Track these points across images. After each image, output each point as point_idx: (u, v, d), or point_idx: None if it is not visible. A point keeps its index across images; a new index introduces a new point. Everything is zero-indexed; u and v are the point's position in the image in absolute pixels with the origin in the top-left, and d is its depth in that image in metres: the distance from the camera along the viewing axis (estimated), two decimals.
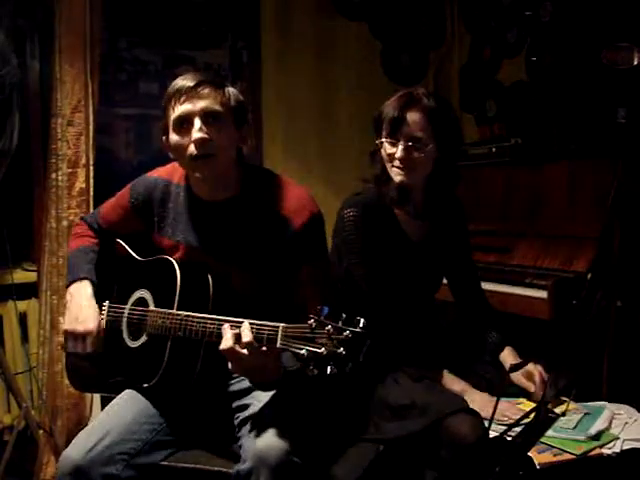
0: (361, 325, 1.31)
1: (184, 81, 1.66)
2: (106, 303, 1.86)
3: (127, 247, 1.91)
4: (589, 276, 2.03)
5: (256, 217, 1.72)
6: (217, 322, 1.53)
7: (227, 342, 1.45)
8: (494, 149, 3.19)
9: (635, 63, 2.41)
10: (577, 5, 3.10)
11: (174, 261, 1.72)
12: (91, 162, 2.68)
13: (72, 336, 1.78)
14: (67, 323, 1.80)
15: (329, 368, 1.30)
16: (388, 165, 1.90)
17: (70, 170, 2.64)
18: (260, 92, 3.47)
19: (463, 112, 3.81)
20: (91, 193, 2.68)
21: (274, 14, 3.48)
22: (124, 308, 1.82)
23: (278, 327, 1.40)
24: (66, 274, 1.94)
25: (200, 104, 1.63)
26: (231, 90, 1.70)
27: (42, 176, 2.71)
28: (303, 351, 1.32)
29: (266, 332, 1.42)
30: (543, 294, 2.58)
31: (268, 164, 3.36)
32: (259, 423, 1.59)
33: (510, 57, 3.57)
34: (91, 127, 2.67)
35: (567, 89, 3.14)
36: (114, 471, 1.59)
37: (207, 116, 1.63)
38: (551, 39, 3.27)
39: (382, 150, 1.91)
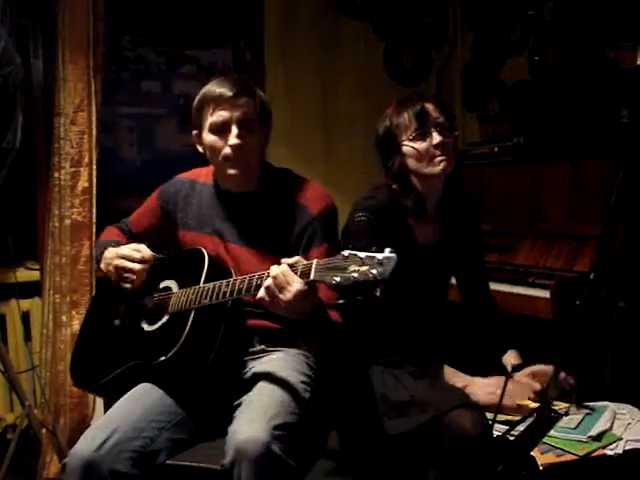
0: (388, 251, 1.35)
1: (223, 88, 1.80)
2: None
3: (154, 253, 1.98)
4: (592, 276, 2.03)
5: (277, 207, 1.85)
6: (247, 279, 1.60)
7: (267, 281, 1.52)
8: (497, 148, 3.19)
9: (638, 62, 2.41)
10: (580, 4, 3.10)
11: (202, 249, 1.83)
12: (94, 161, 2.68)
13: (127, 261, 1.84)
14: (119, 260, 1.86)
15: (361, 293, 1.36)
16: (423, 163, 1.89)
17: (73, 169, 2.64)
18: (263, 91, 3.42)
19: (466, 111, 3.82)
20: (94, 192, 2.68)
21: (277, 14, 3.48)
22: (145, 298, 1.88)
23: (312, 262, 1.46)
24: (96, 255, 2.03)
25: (238, 113, 1.79)
26: (261, 95, 1.87)
27: (45, 175, 2.71)
28: (337, 278, 1.37)
29: (300, 268, 1.48)
30: (546, 294, 2.58)
31: (271, 163, 3.36)
32: (243, 417, 1.61)
33: (513, 56, 3.57)
34: (94, 126, 2.67)
35: (570, 88, 3.14)
36: (122, 468, 1.59)
37: (243, 124, 1.79)
38: (554, 38, 3.27)
39: (406, 156, 1.90)
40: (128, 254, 1.85)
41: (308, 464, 1.74)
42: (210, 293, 1.68)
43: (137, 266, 1.83)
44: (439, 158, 1.87)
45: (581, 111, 3.05)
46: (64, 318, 2.66)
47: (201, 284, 1.73)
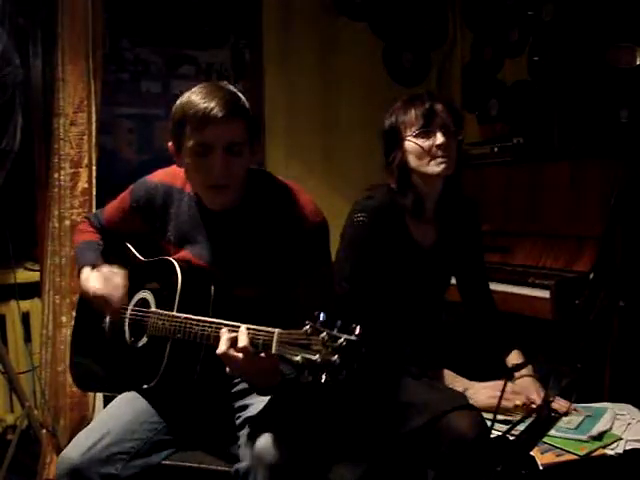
0: (357, 333, 1.28)
1: (211, 104, 1.57)
2: None
3: (132, 248, 1.92)
4: (592, 276, 2.03)
5: (264, 223, 1.71)
6: (215, 325, 1.52)
7: (222, 347, 1.45)
8: (496, 149, 3.19)
9: (638, 63, 2.41)
10: (579, 5, 3.10)
11: (175, 262, 1.71)
12: (93, 162, 2.68)
13: (100, 296, 1.75)
14: (93, 290, 1.76)
15: (323, 376, 1.27)
16: (423, 161, 1.88)
17: (73, 170, 2.64)
18: (262, 92, 3.47)
19: (465, 111, 3.81)
20: (93, 193, 2.68)
21: (276, 14, 3.48)
22: (126, 309, 1.82)
23: (273, 333, 1.38)
24: (76, 262, 1.93)
25: (225, 136, 1.59)
26: (248, 110, 1.65)
27: (45, 176, 2.71)
28: (298, 357, 1.30)
29: (262, 337, 1.41)
30: (545, 294, 2.58)
31: (270, 164, 3.36)
32: (259, 423, 1.59)
33: (512, 56, 3.57)
34: (93, 127, 2.67)
35: (569, 89, 3.14)
36: (113, 471, 1.59)
37: (230, 148, 1.60)
38: (553, 39, 3.27)
39: (408, 152, 1.90)
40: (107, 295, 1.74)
41: (322, 471, 1.73)
42: (182, 330, 1.59)
43: (116, 305, 1.74)
44: (440, 159, 1.86)
45: (580, 111, 3.05)
46: (64, 319, 2.66)
47: (175, 311, 1.65)
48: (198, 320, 1.57)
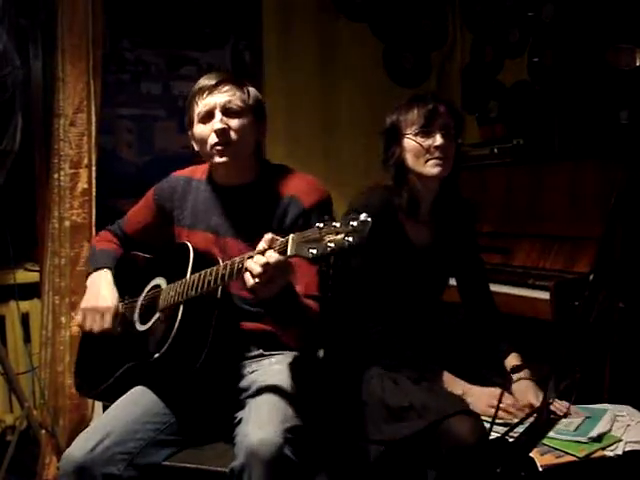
0: (364, 216, 1.34)
1: (207, 80, 1.82)
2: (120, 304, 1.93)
3: (143, 254, 2.03)
4: (591, 277, 2.03)
5: (270, 199, 1.83)
6: (229, 263, 1.58)
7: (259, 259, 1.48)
8: (496, 150, 3.19)
9: (638, 64, 2.41)
10: (579, 6, 3.10)
11: (186, 242, 1.84)
12: (93, 162, 2.68)
13: (91, 313, 1.89)
14: (86, 302, 1.92)
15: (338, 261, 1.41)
16: (420, 161, 1.88)
17: (72, 170, 2.64)
18: (262, 92, 3.43)
19: (465, 113, 3.81)
20: (93, 193, 2.68)
21: (276, 15, 3.48)
22: (137, 300, 1.89)
23: (288, 238, 1.44)
24: (89, 263, 2.06)
25: (220, 99, 1.79)
26: (251, 89, 1.88)
27: (44, 176, 2.71)
28: (314, 251, 1.36)
29: (277, 245, 1.46)
30: (545, 295, 2.58)
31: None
32: (253, 419, 1.60)
33: (512, 58, 3.57)
34: (93, 127, 2.67)
35: (569, 90, 3.14)
36: (115, 471, 1.60)
37: (227, 109, 1.79)
38: (553, 40, 3.27)
39: (406, 150, 1.90)
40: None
41: (317, 466, 1.74)
42: (195, 284, 1.66)
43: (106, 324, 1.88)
44: (437, 160, 1.86)
45: (580, 113, 3.06)
46: (63, 319, 2.65)
47: (187, 277, 1.72)
48: (211, 269, 1.64)
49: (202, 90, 1.81)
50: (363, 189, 2.00)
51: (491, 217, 3.04)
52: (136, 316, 1.87)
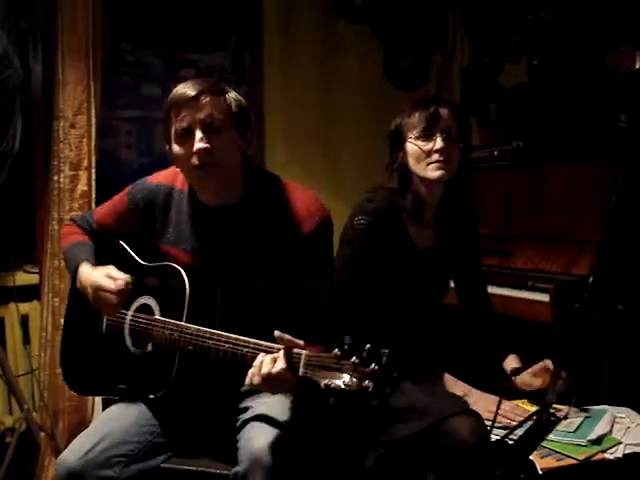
0: (386, 357, 1.26)
1: (184, 90, 1.63)
2: None
3: (130, 250, 1.89)
4: (591, 279, 2.03)
5: (263, 222, 1.69)
6: (232, 342, 1.52)
7: (265, 368, 1.43)
8: (496, 152, 3.19)
9: (637, 67, 2.41)
10: (579, 9, 3.10)
11: (182, 270, 1.69)
12: (93, 165, 2.68)
13: (102, 296, 1.66)
14: (94, 295, 1.68)
15: (355, 401, 1.27)
16: (421, 165, 1.88)
17: (72, 172, 2.64)
18: (262, 94, 3.47)
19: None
20: (93, 196, 2.68)
21: (276, 17, 3.48)
22: (126, 314, 1.79)
23: (301, 354, 1.37)
24: (68, 262, 1.88)
25: (200, 114, 1.61)
26: (232, 96, 1.68)
27: (44, 178, 2.70)
28: (326, 381, 1.28)
29: (288, 358, 1.40)
30: (545, 297, 2.58)
31: (270, 166, 3.36)
32: (257, 425, 1.59)
33: (512, 60, 3.57)
34: (93, 129, 2.67)
35: (569, 93, 3.14)
36: (112, 474, 1.59)
37: (208, 126, 1.61)
38: (553, 42, 3.27)
39: (408, 154, 1.90)
40: (103, 285, 1.65)
41: (320, 473, 1.74)
42: (193, 343, 1.58)
43: (114, 299, 1.64)
44: (438, 164, 1.86)
45: (580, 115, 3.06)
46: (63, 321, 2.65)
47: (183, 321, 1.63)
48: (212, 334, 1.56)
49: (178, 104, 1.62)
50: (366, 191, 2.00)
51: (491, 219, 3.04)
52: (126, 332, 1.78)
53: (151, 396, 1.66)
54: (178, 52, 3.29)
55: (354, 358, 1.26)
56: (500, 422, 1.73)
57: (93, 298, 1.70)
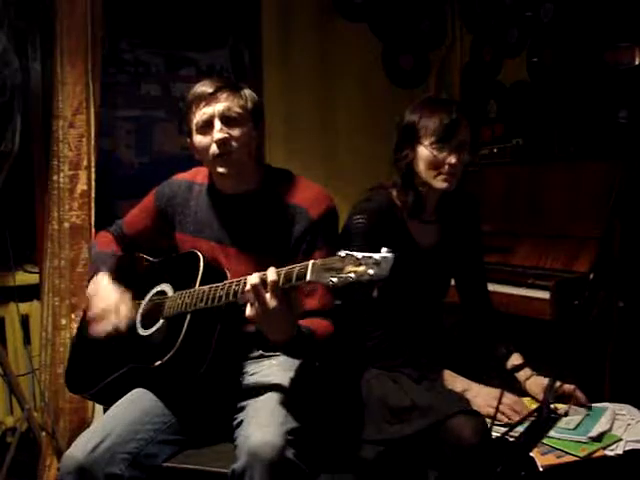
0: (387, 252, 1.32)
1: (203, 87, 1.79)
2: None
3: (147, 256, 2.01)
4: (591, 276, 2.03)
5: (275, 208, 1.81)
6: (242, 281, 1.56)
7: (253, 279, 1.47)
8: (495, 150, 3.20)
9: (636, 63, 2.41)
10: (578, 5, 3.10)
11: (196, 251, 1.81)
12: (93, 164, 2.68)
13: (105, 315, 1.79)
14: (94, 308, 1.82)
15: (358, 292, 1.33)
16: (431, 172, 1.87)
17: (72, 172, 2.64)
18: (262, 93, 3.46)
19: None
20: (93, 195, 2.68)
21: (275, 16, 3.48)
22: (140, 303, 1.87)
23: (308, 263, 1.42)
24: (88, 271, 2.06)
25: (219, 107, 1.76)
26: (247, 92, 1.83)
27: (44, 178, 2.71)
28: (334, 279, 1.33)
29: (297, 269, 1.43)
30: (545, 295, 2.58)
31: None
32: (254, 422, 1.60)
33: (511, 58, 3.57)
34: (92, 129, 2.67)
35: (568, 89, 3.14)
36: (117, 471, 1.60)
37: (226, 118, 1.76)
38: (552, 39, 3.27)
39: (419, 157, 1.88)
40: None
41: (318, 468, 1.73)
42: (206, 296, 1.65)
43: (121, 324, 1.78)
44: (447, 176, 1.86)
45: (579, 112, 3.06)
46: (63, 321, 2.65)
47: (196, 287, 1.71)
48: (223, 284, 1.63)
49: (199, 99, 1.78)
50: (366, 190, 1.99)
51: (491, 216, 3.04)
52: (138, 319, 1.85)
53: (157, 362, 1.67)
54: (177, 51, 3.30)
55: (356, 254, 1.33)
56: (501, 420, 1.73)
57: (95, 308, 1.82)
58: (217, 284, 1.64)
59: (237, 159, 1.78)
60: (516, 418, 1.76)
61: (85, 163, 2.66)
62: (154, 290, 1.88)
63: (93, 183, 2.68)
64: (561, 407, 1.81)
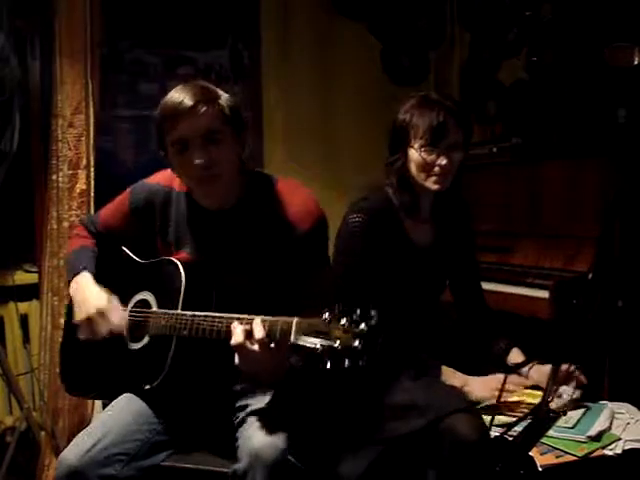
0: (375, 319, 1.28)
1: (178, 99, 1.61)
2: None
3: (128, 251, 1.90)
4: (590, 276, 2.03)
5: (261, 223, 1.71)
6: (226, 320, 1.51)
7: (238, 338, 1.44)
8: (495, 149, 3.19)
9: (635, 63, 2.41)
10: (577, 4, 3.10)
11: (179, 262, 1.71)
12: (92, 163, 2.68)
13: (94, 318, 1.70)
14: (79, 312, 1.73)
15: (346, 361, 1.27)
16: (421, 174, 1.87)
17: (71, 172, 2.64)
18: (261, 93, 3.47)
19: None
20: (92, 194, 2.68)
21: (274, 15, 3.48)
22: (125, 310, 1.80)
23: (292, 321, 1.37)
24: (67, 270, 1.91)
25: (199, 125, 1.61)
26: (225, 98, 1.67)
27: (43, 177, 2.71)
28: (317, 345, 1.29)
29: (279, 326, 1.40)
30: (544, 294, 2.58)
31: (269, 166, 3.36)
32: (256, 422, 1.59)
33: (510, 57, 3.57)
34: (92, 128, 2.67)
35: (567, 89, 3.14)
36: (112, 472, 1.59)
37: (207, 136, 1.62)
38: (551, 38, 3.27)
39: (410, 160, 1.89)
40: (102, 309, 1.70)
41: (320, 470, 1.73)
42: (189, 327, 1.58)
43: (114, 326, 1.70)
44: (437, 177, 1.86)
45: (579, 111, 3.05)
46: (62, 321, 2.63)
47: (179, 309, 1.64)
48: (206, 316, 1.56)
49: (177, 112, 1.60)
50: (364, 190, 1.99)
51: (490, 216, 3.04)
52: (126, 331, 1.77)
53: (147, 386, 1.65)
54: (176, 50, 3.30)
55: (344, 320, 1.29)
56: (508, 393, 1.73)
57: (84, 313, 1.72)
58: (200, 314, 1.57)
59: (220, 181, 1.65)
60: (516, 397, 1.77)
61: (84, 162, 2.66)
62: (137, 297, 1.80)
63: (92, 182, 2.69)
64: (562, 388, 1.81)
